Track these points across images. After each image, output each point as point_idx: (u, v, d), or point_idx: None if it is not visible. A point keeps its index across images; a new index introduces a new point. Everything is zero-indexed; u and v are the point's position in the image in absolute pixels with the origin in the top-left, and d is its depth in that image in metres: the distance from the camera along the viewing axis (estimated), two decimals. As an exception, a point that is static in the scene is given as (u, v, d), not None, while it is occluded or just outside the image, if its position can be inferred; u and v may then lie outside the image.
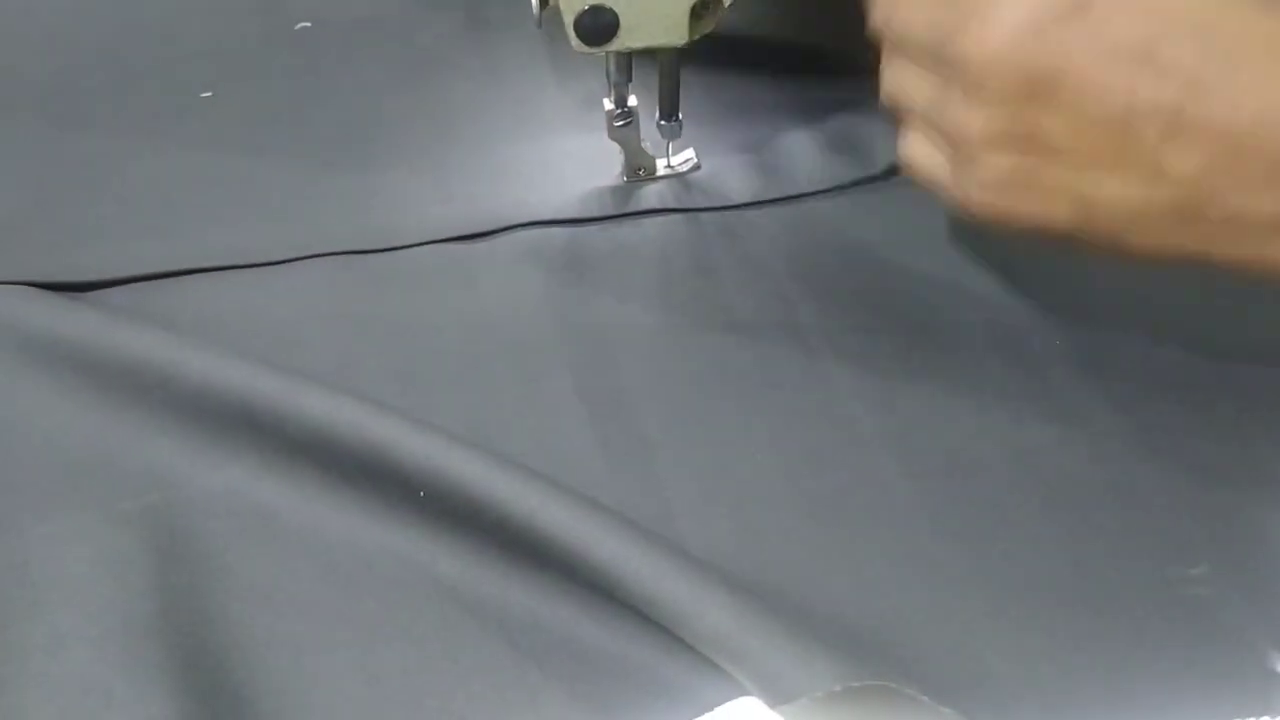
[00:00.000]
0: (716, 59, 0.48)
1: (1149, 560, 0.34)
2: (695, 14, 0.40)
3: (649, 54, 0.42)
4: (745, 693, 0.31)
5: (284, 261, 0.43)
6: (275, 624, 0.33)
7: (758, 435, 0.38)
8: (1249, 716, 0.31)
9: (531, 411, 0.38)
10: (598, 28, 0.39)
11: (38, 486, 0.36)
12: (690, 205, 0.45)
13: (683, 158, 0.46)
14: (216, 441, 0.37)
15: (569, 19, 0.39)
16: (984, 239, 0.42)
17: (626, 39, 0.40)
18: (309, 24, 0.54)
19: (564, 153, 0.47)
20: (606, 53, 0.41)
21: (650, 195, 0.46)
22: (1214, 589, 0.33)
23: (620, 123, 0.44)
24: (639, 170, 0.46)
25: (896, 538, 0.35)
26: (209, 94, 0.51)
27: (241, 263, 0.43)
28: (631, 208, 0.45)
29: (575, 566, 0.32)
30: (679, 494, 0.36)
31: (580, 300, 0.42)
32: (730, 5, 0.40)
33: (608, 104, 0.43)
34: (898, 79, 0.33)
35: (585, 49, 0.40)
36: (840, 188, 0.46)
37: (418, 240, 0.44)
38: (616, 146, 0.45)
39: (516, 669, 0.32)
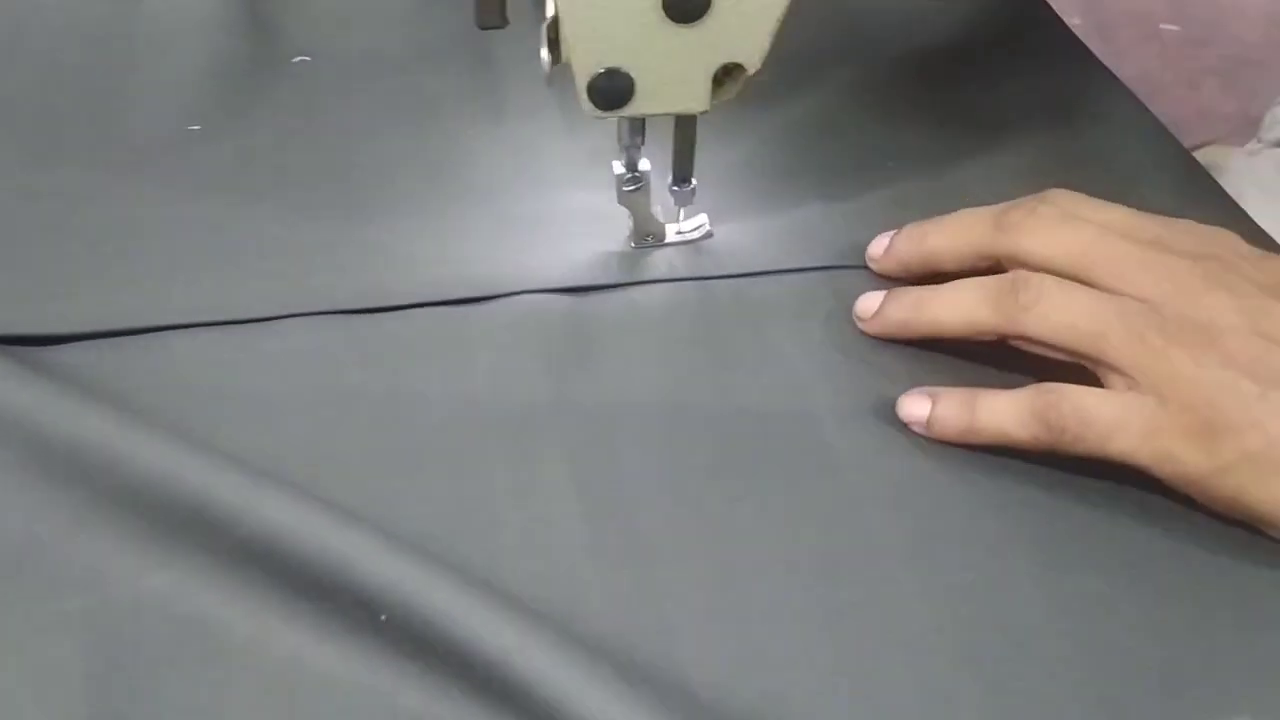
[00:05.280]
0: (734, 122, 0.45)
1: (1189, 705, 0.32)
2: (718, 80, 0.37)
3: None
4: None
5: (262, 320, 0.40)
6: None
7: (767, 540, 0.35)
8: None
9: (523, 502, 0.35)
10: (612, 92, 0.37)
11: None
12: (701, 273, 0.43)
13: (694, 224, 0.43)
14: (162, 536, 0.33)
15: (581, 82, 0.36)
16: None
17: (642, 104, 0.37)
18: (307, 58, 0.51)
19: (570, 212, 0.44)
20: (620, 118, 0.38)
21: (659, 263, 0.43)
22: (1258, 743, 0.31)
23: (630, 188, 0.41)
24: (648, 236, 0.43)
25: (914, 666, 0.32)
26: (197, 127, 0.48)
27: (217, 319, 0.40)
28: (638, 277, 0.42)
29: (553, 717, 0.29)
30: (678, 605, 0.33)
31: (581, 376, 0.39)
32: (754, 73, 0.37)
33: (617, 167, 0.40)
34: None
35: (597, 114, 0.37)
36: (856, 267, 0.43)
37: (409, 302, 0.41)
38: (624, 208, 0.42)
39: None
